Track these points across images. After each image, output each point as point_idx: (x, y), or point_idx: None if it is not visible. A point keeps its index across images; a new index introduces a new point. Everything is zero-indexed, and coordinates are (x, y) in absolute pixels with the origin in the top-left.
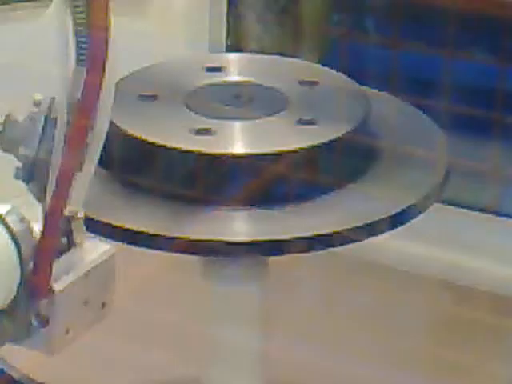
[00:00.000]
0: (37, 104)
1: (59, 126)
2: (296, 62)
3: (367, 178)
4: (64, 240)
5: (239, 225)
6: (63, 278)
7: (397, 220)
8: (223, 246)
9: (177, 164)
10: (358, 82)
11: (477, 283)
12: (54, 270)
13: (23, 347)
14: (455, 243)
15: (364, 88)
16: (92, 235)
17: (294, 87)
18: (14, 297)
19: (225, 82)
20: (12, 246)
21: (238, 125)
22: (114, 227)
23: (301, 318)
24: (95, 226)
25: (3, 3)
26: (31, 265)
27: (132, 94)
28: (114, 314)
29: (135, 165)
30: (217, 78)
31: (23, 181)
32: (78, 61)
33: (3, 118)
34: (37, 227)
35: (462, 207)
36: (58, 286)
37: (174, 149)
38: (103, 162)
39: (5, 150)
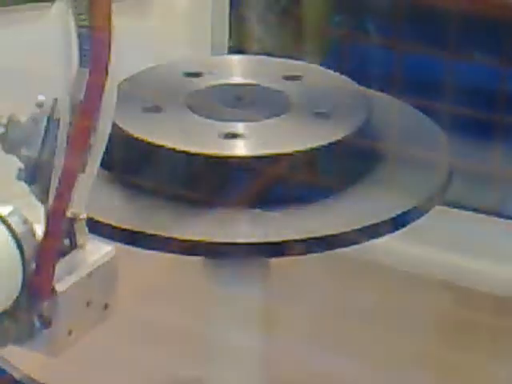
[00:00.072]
0: (39, 105)
1: (62, 128)
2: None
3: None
4: (66, 241)
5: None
6: (66, 279)
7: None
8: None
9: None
10: (359, 83)
11: (478, 284)
12: (56, 271)
13: (25, 348)
14: (456, 244)
15: (364, 89)
16: (94, 236)
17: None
18: (17, 298)
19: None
20: (14, 247)
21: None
22: (116, 228)
23: (302, 319)
24: (97, 228)
25: (3, 5)
26: (34, 266)
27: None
28: (116, 314)
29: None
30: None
31: (26, 182)
32: (81, 62)
33: (6, 119)
34: (39, 228)
35: (464, 209)
36: (60, 287)
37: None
38: (105, 163)
39: (7, 151)
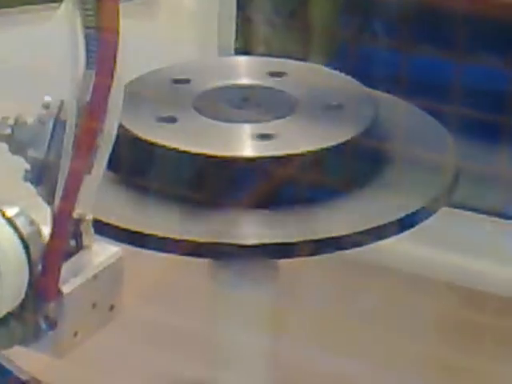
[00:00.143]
0: (46, 106)
1: (68, 129)
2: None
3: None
4: (72, 242)
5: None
6: (71, 280)
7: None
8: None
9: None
10: (365, 84)
11: (484, 285)
12: (62, 273)
13: (31, 349)
14: (462, 246)
15: (371, 90)
16: (100, 238)
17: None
18: (23, 299)
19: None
20: (21, 248)
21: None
22: (123, 230)
23: (309, 320)
24: (103, 229)
25: (8, 6)
26: (40, 267)
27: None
28: (122, 316)
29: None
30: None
31: (32, 183)
32: (88, 63)
33: (13, 120)
34: (46, 230)
35: (468, 210)
36: (66, 289)
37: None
38: (111, 164)
39: (14, 152)
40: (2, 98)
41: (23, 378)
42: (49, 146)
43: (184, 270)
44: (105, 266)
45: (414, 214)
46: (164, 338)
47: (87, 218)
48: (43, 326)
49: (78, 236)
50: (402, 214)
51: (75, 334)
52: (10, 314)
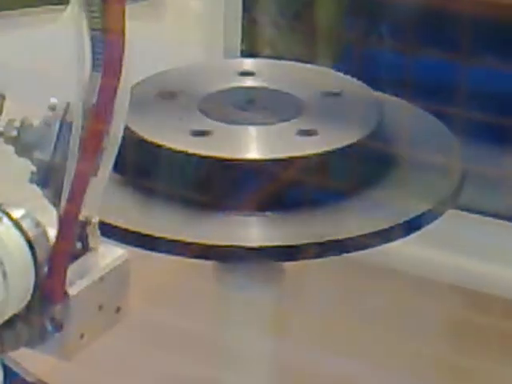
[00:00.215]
0: (52, 108)
1: (74, 131)
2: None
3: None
4: (79, 245)
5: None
6: (78, 282)
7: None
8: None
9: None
10: (371, 87)
11: (489, 288)
12: (68, 275)
13: (37, 351)
14: (468, 248)
15: (377, 93)
16: (107, 240)
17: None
18: (29, 301)
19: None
20: (27, 250)
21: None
22: (128, 232)
23: (314, 322)
24: (109, 231)
25: (9, 8)
26: (46, 269)
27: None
28: (128, 317)
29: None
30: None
31: (38, 185)
32: (94, 65)
33: (19, 122)
34: (52, 232)
35: (474, 212)
36: (72, 291)
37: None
38: (116, 166)
39: (20, 154)
40: (6, 99)
41: (29, 379)
42: (55, 148)
43: (190, 273)
44: (111, 268)
45: (420, 216)
46: (170, 340)
47: (93, 220)
48: (49, 327)
49: (84, 238)
50: (408, 217)
51: (81, 336)
52: (16, 316)
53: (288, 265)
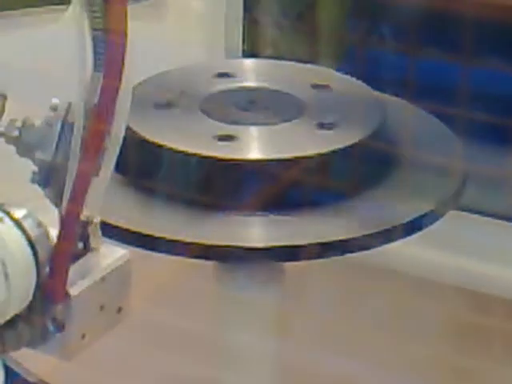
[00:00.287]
0: (54, 108)
1: (76, 131)
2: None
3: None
4: (80, 245)
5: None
6: (79, 282)
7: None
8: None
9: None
10: (374, 88)
11: (491, 289)
12: (70, 275)
13: (39, 352)
14: (469, 249)
15: (379, 94)
16: (108, 240)
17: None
18: (31, 301)
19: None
20: (28, 250)
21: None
22: (130, 232)
23: (315, 323)
24: (110, 231)
25: (10, 8)
26: (47, 269)
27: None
28: (130, 318)
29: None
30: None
31: (40, 185)
32: (96, 66)
33: (20, 122)
34: (53, 232)
35: (476, 213)
36: (74, 291)
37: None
38: (118, 167)
39: (22, 155)
40: (8, 100)
41: (31, 380)
42: (56, 148)
43: (190, 273)
44: (113, 268)
45: (421, 217)
46: (171, 340)
47: (95, 220)
48: (51, 328)
49: (85, 238)
50: (410, 218)
51: (83, 336)
52: (17, 316)
53: (289, 265)
